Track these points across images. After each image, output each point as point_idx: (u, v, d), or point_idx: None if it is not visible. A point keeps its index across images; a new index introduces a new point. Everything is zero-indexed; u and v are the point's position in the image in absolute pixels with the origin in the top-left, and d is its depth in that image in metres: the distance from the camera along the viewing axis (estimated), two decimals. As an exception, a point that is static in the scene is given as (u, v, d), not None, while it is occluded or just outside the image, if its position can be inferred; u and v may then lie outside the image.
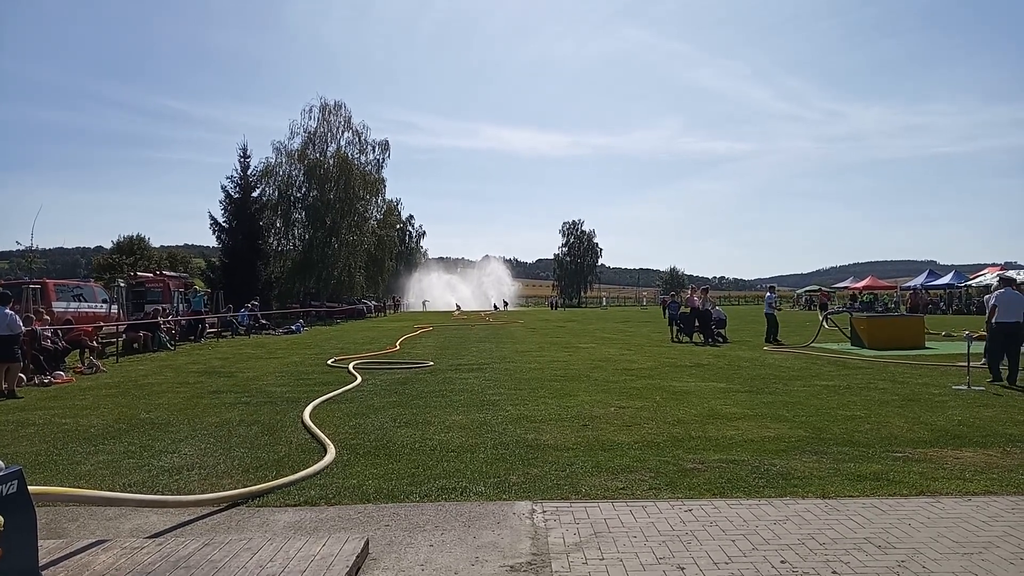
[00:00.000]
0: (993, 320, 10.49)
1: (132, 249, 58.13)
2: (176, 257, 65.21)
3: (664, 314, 42.64)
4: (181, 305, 24.69)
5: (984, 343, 11.30)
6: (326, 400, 9.21)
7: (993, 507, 4.51)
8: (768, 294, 20.46)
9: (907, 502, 4.63)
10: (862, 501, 4.66)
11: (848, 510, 4.46)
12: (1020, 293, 10.86)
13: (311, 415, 7.93)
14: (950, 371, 11.61)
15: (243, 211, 40.45)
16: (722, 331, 19.75)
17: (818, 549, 3.81)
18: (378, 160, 49.38)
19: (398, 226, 67.80)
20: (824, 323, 19.62)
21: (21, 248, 36.05)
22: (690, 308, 20.31)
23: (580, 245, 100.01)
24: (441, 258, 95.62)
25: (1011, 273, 39.35)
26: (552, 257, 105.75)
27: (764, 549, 3.82)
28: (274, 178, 44.45)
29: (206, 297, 28.01)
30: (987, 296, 15.36)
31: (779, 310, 19.64)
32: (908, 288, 45.25)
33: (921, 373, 11.61)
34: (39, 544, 3.29)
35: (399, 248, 67.99)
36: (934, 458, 5.79)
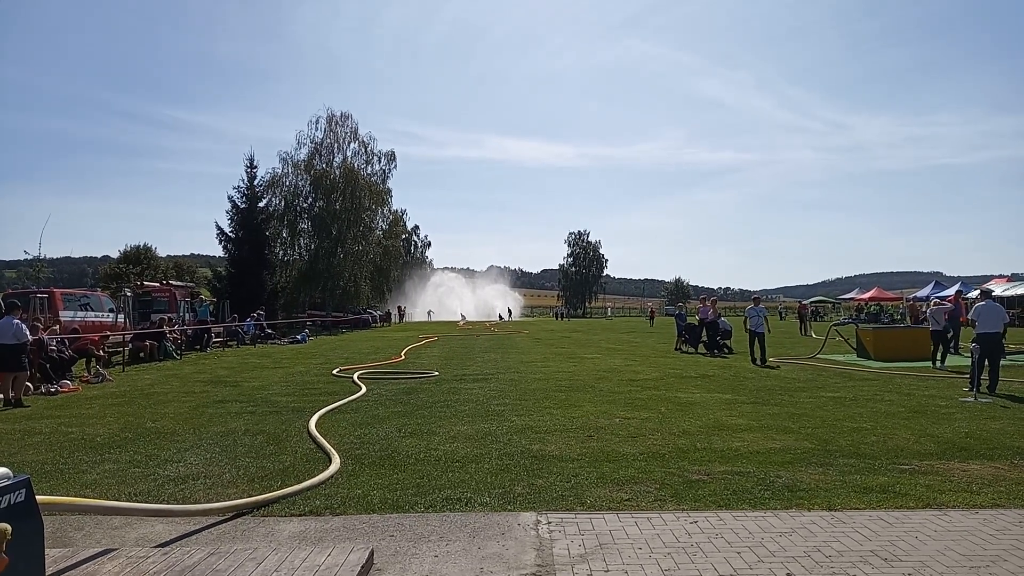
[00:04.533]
0: (974, 331, 10.74)
1: (139, 259, 58.34)
2: (182, 267, 65.40)
3: (651, 323, 43.87)
4: (187, 314, 24.78)
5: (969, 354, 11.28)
6: (331, 410, 9.22)
7: (1001, 520, 4.48)
8: (756, 307, 17.06)
9: (914, 515, 4.60)
10: (868, 513, 4.63)
11: (854, 522, 4.44)
12: (1000, 305, 11.47)
13: (316, 425, 7.95)
14: (957, 383, 11.55)
15: (249, 221, 40.76)
16: (727, 342, 19.71)
17: (824, 561, 3.79)
18: (384, 171, 49.87)
19: (404, 236, 68.00)
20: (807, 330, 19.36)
21: (29, 258, 36.22)
22: (699, 319, 20.26)
23: (585, 255, 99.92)
24: (447, 268, 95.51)
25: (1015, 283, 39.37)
26: (557, 267, 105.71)
27: (770, 561, 3.81)
28: (280, 188, 44.89)
29: (212, 307, 28.11)
30: (930, 309, 16.79)
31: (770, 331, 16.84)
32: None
33: (928, 385, 11.55)
34: (45, 553, 3.31)
35: (405, 258, 68.19)
36: (941, 470, 5.76)
